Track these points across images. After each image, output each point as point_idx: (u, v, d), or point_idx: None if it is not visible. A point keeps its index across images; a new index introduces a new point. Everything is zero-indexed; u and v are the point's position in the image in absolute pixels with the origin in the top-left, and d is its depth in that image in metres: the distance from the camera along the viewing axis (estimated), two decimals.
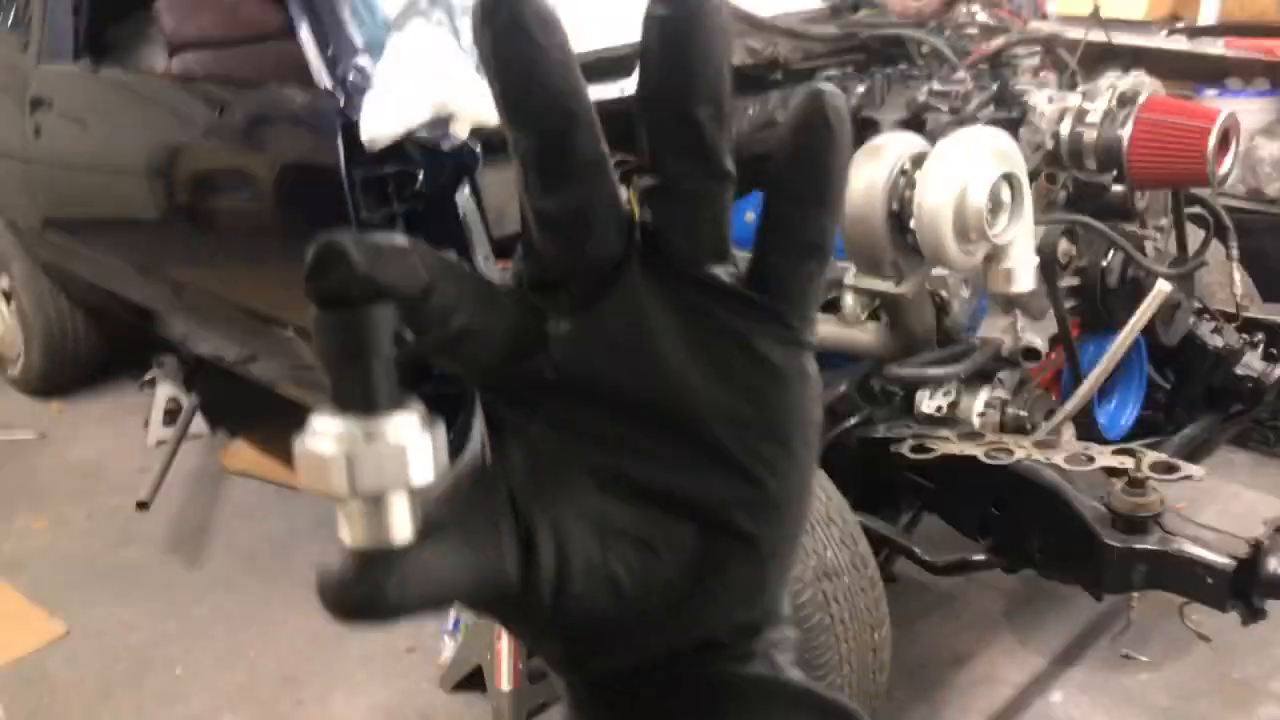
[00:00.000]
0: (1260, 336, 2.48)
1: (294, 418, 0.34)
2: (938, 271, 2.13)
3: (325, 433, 0.33)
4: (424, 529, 0.34)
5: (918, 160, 2.01)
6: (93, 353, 4.16)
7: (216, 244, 2.87)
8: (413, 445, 0.33)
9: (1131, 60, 4.61)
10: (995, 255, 2.02)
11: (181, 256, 3.05)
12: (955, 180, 1.89)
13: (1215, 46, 4.56)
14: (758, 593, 0.41)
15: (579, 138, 0.36)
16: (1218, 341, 2.44)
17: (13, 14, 3.67)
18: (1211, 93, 4.67)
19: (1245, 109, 4.66)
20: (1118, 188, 2.23)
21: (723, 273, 0.38)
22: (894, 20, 2.74)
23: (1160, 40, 4.46)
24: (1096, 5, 2.64)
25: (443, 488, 0.37)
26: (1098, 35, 2.91)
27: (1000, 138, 1.96)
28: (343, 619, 0.33)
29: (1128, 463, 1.91)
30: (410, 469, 0.33)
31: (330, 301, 0.32)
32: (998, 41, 2.74)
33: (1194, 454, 2.47)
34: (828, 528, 1.93)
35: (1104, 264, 2.21)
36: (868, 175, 1.98)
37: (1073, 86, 2.75)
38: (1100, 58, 2.87)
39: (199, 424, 3.77)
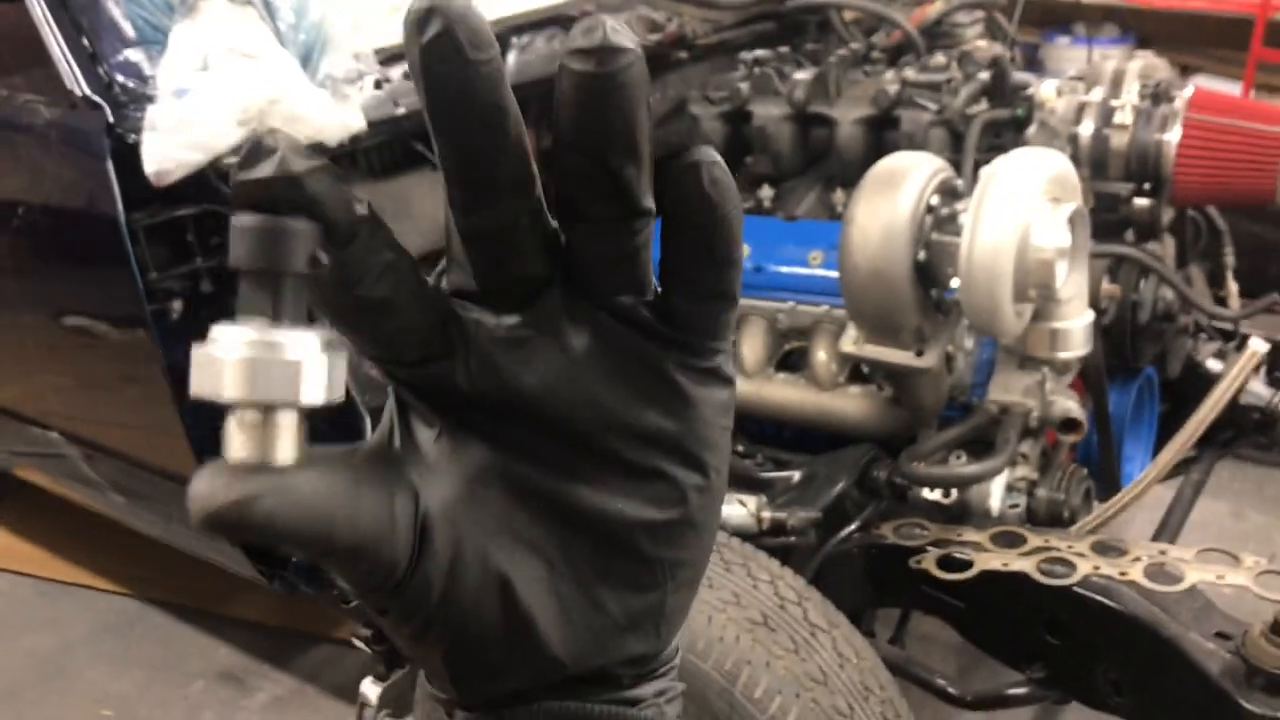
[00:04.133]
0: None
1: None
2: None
3: (224, 337, 0.32)
4: (310, 458, 0.34)
5: (945, 190, 1.50)
6: None
7: None
8: (310, 362, 0.33)
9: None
10: (1042, 312, 1.54)
11: None
12: (1016, 222, 1.39)
13: None
14: (654, 624, 0.40)
15: (506, 156, 0.35)
16: (1222, 368, 2.05)
17: None
18: (1064, 39, 4.38)
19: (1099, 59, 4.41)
20: (1140, 200, 1.79)
21: (640, 304, 0.38)
22: None
23: None
24: None
25: (341, 449, 0.36)
26: None
27: (1058, 160, 1.48)
28: (208, 530, 0.32)
29: (1228, 576, 1.49)
30: (303, 385, 0.33)
31: (253, 200, 0.32)
32: (937, 6, 2.27)
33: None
34: (864, 700, 1.42)
35: (1135, 298, 1.77)
36: (886, 216, 1.46)
37: (1012, 60, 2.32)
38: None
39: None
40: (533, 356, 0.37)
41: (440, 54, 0.33)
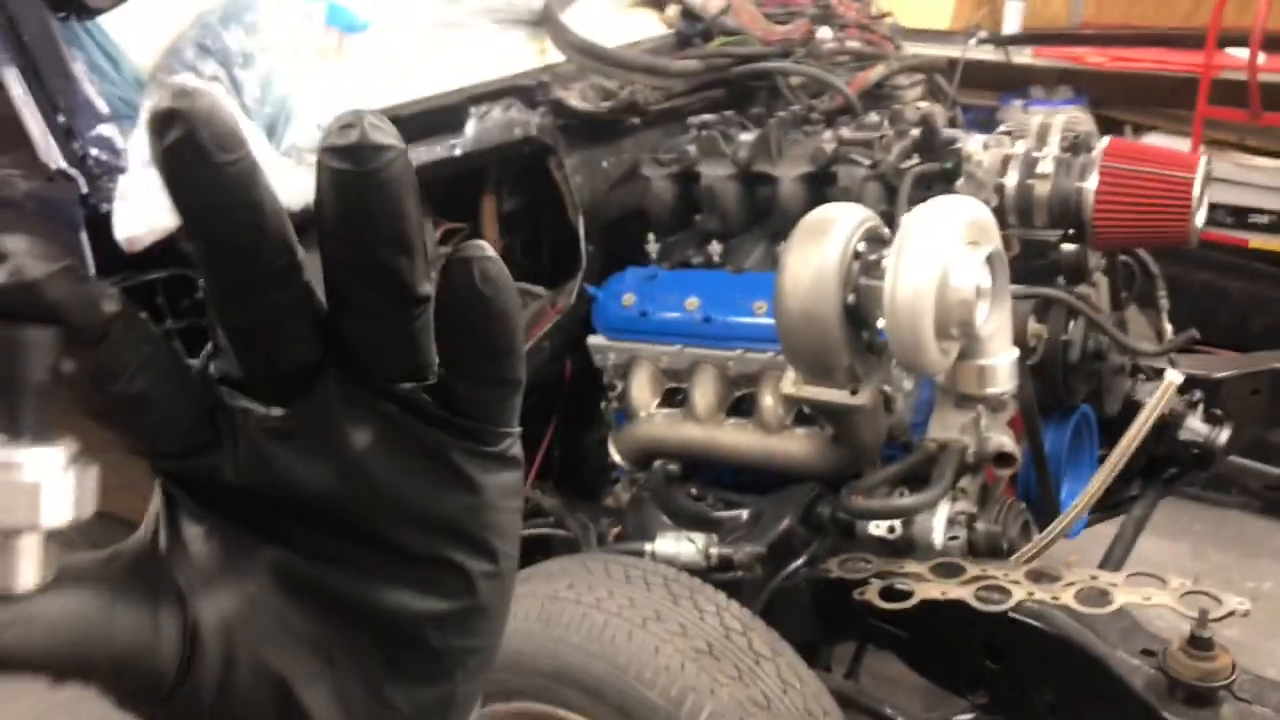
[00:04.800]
0: (1198, 395, 2.20)
1: None
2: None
3: None
4: (56, 579, 0.32)
5: (872, 238, 1.60)
6: None
7: None
8: (50, 482, 0.31)
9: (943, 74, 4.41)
10: (968, 350, 1.62)
11: None
12: (934, 264, 1.48)
13: (1023, 56, 4.42)
14: (443, 714, 0.39)
15: (263, 251, 0.33)
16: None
17: None
18: (1019, 102, 4.52)
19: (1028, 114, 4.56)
20: (1067, 245, 1.88)
21: (418, 389, 0.37)
22: (762, 50, 2.33)
23: (975, 51, 4.26)
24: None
25: (99, 556, 0.35)
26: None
27: (974, 206, 1.57)
28: None
29: (1154, 597, 1.55)
30: (43, 507, 0.31)
31: None
32: (878, 70, 2.38)
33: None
34: None
35: (1064, 337, 1.86)
36: (815, 263, 1.55)
37: (952, 120, 2.43)
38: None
39: None
40: (306, 449, 0.36)
41: (182, 158, 0.32)
